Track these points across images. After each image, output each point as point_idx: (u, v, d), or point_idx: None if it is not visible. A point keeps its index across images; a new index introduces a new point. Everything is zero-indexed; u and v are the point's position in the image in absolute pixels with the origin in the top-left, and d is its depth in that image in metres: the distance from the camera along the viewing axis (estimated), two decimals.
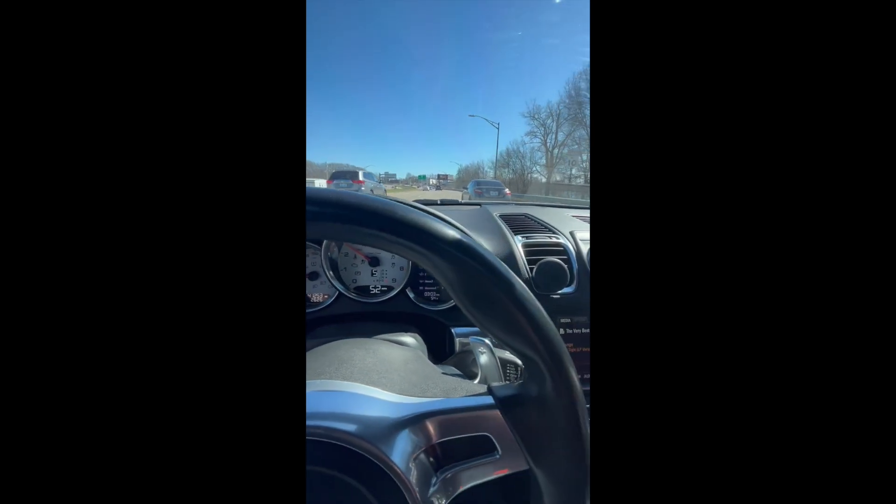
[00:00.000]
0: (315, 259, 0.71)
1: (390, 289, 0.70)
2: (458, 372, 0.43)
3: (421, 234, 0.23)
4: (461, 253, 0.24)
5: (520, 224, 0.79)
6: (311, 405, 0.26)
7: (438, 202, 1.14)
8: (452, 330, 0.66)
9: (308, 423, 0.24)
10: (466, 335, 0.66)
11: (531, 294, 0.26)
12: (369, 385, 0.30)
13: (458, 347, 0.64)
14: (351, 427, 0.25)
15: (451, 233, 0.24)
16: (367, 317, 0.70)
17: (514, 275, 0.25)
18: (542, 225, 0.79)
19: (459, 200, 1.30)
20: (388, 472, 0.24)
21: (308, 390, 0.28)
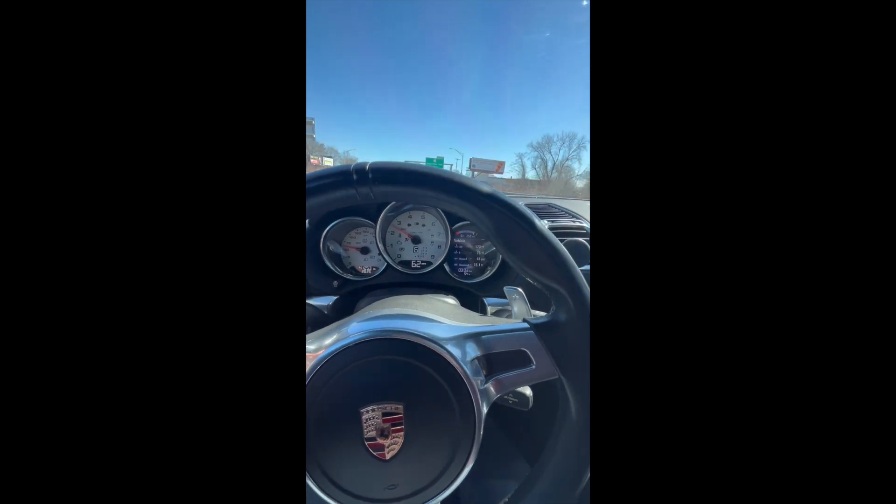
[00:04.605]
0: (366, 236, 0.82)
1: (429, 263, 0.81)
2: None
3: (464, 190, 0.31)
4: (495, 203, 0.31)
5: (545, 211, 0.89)
6: (391, 323, 0.34)
7: None
8: (485, 300, 0.76)
9: (394, 329, 0.33)
10: (496, 305, 0.77)
11: (554, 236, 0.33)
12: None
13: (488, 313, 0.74)
14: (425, 334, 0.33)
15: (487, 189, 0.32)
16: (409, 286, 0.81)
17: (539, 220, 0.32)
18: (564, 212, 0.89)
19: None
20: (454, 365, 0.32)
21: (387, 313, 0.37)
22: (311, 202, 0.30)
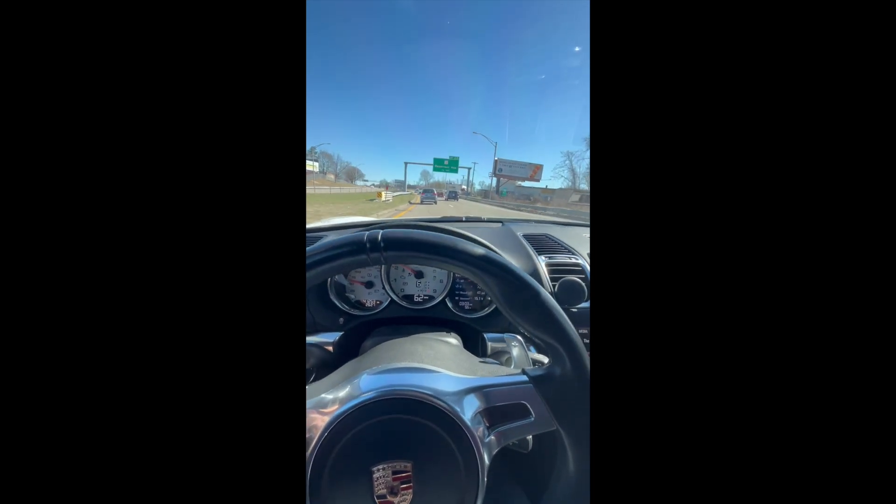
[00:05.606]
0: (371, 271, 0.85)
1: (431, 298, 0.84)
2: (495, 362, 0.55)
3: (468, 257, 0.35)
4: (498, 269, 0.35)
5: (542, 245, 0.92)
6: (399, 379, 0.37)
7: (464, 219, 1.27)
8: (484, 335, 0.79)
9: (398, 387, 0.36)
10: (496, 340, 0.79)
11: (553, 299, 0.36)
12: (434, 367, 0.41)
13: (489, 349, 0.77)
14: (431, 391, 0.36)
15: (483, 252, 0.35)
16: (412, 320, 0.84)
17: (541, 286, 0.36)
18: (561, 246, 0.91)
19: (482, 217, 1.39)
20: (458, 422, 0.35)
21: (395, 366, 0.40)
22: (326, 267, 0.33)
